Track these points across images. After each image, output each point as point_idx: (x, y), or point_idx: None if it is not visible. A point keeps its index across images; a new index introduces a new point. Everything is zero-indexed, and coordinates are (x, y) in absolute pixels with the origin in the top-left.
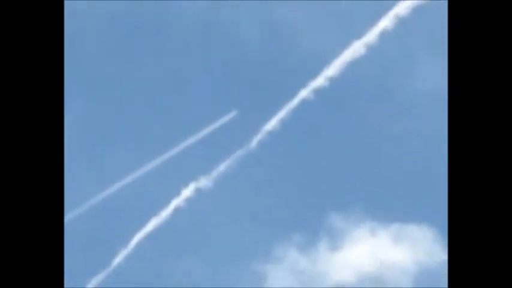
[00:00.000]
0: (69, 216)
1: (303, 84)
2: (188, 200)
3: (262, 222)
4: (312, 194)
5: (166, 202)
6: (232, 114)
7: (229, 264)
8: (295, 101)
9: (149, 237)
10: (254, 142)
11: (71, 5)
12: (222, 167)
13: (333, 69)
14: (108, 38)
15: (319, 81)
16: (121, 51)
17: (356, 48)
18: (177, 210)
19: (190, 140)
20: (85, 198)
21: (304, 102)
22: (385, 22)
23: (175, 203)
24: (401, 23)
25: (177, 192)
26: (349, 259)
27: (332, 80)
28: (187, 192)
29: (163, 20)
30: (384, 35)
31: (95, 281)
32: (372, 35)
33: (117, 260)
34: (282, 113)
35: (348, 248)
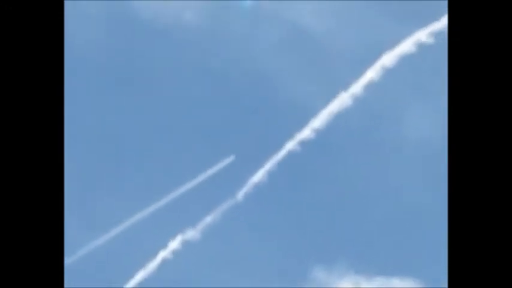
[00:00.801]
0: None
1: (289, 136)
2: (175, 252)
3: (247, 275)
4: (296, 247)
5: (154, 254)
6: (224, 162)
7: None
8: (281, 153)
9: None
10: (241, 194)
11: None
12: (208, 219)
13: (319, 120)
14: (99, 84)
15: (306, 133)
16: (109, 97)
17: (342, 100)
18: (164, 262)
19: (177, 193)
20: (73, 249)
21: (290, 154)
22: (372, 73)
23: (163, 254)
24: (388, 73)
25: (164, 244)
26: None
27: (318, 132)
28: (174, 244)
29: (154, 67)
30: (370, 86)
31: None
32: (358, 86)
33: None
34: (268, 165)
35: None
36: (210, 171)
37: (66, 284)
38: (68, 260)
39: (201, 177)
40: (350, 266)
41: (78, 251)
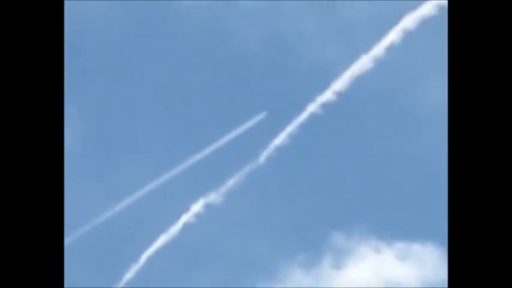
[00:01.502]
0: (79, 233)
1: (311, 99)
2: (197, 216)
3: (267, 239)
4: (316, 211)
5: (176, 218)
6: (244, 126)
7: (235, 281)
8: (303, 116)
9: (159, 253)
10: (263, 157)
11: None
12: (230, 182)
13: (340, 83)
14: (117, 46)
15: (327, 95)
16: (129, 61)
17: (364, 62)
18: (186, 226)
19: (200, 156)
20: (96, 214)
21: (312, 117)
22: (393, 35)
23: (185, 218)
24: (409, 36)
25: (187, 208)
26: (353, 277)
27: (340, 94)
28: (196, 207)
29: (171, 31)
30: (391, 49)
31: None
32: (379, 49)
33: (128, 275)
34: (290, 128)
35: (352, 266)
36: (232, 134)
37: (90, 248)
38: (88, 227)
39: (223, 141)
40: (370, 231)
41: (99, 217)
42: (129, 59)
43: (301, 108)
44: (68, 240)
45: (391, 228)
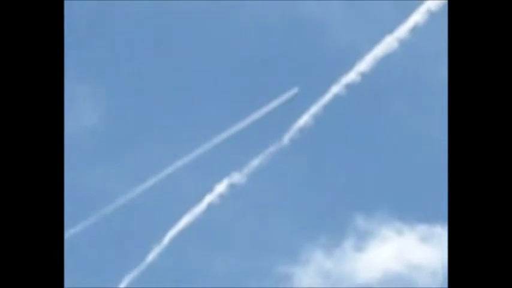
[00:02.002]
0: (102, 213)
1: (335, 80)
2: (221, 196)
3: (291, 220)
4: (338, 193)
5: (200, 198)
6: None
7: (257, 262)
8: (327, 97)
9: (182, 233)
10: (286, 138)
11: None
12: (254, 163)
13: (365, 64)
14: (141, 23)
15: (351, 76)
16: (150, 43)
17: (388, 43)
18: (210, 206)
19: (223, 136)
20: (118, 195)
21: (336, 98)
22: (417, 17)
23: (209, 199)
24: (433, 17)
25: (211, 188)
26: (375, 259)
27: (364, 75)
28: (220, 188)
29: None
30: (415, 30)
31: (129, 277)
32: (403, 30)
33: (151, 256)
34: (314, 109)
35: (374, 249)
36: (256, 115)
37: (113, 228)
38: (112, 207)
39: (246, 121)
40: (393, 213)
41: (122, 198)
42: (152, 38)
43: (325, 89)
44: (90, 221)
45: (413, 211)
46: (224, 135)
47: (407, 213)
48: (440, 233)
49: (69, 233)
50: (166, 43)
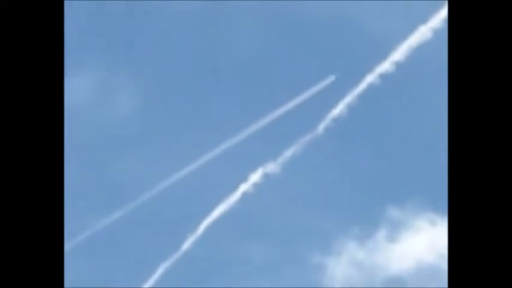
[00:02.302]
0: (137, 201)
1: (369, 69)
2: (256, 185)
3: (324, 210)
4: (371, 183)
5: (234, 187)
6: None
7: (291, 252)
8: (361, 86)
9: (217, 222)
10: (321, 127)
11: None
12: (289, 153)
13: (399, 53)
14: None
15: (386, 66)
16: (185, 33)
17: (422, 33)
18: (244, 196)
19: (258, 125)
20: (153, 183)
21: (370, 87)
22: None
23: (243, 188)
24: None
25: (245, 178)
26: (408, 250)
27: (398, 65)
28: (255, 177)
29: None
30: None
31: (164, 265)
32: (437, 20)
33: (186, 245)
34: (348, 98)
35: (407, 239)
36: (290, 104)
37: (148, 217)
38: (147, 196)
39: (281, 111)
40: (426, 204)
41: (158, 186)
42: (190, 25)
43: (359, 78)
44: (126, 210)
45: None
46: (259, 124)
47: (440, 203)
48: None
49: (105, 221)
50: (201, 32)
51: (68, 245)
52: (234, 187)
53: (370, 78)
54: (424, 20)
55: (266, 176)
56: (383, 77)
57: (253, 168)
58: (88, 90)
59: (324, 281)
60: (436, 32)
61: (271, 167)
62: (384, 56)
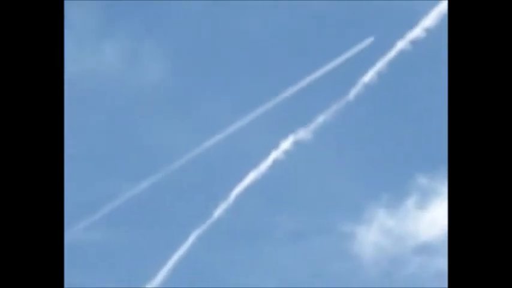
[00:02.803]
0: (169, 170)
1: (400, 36)
2: (287, 153)
3: (355, 178)
4: (400, 151)
5: (266, 155)
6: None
7: (320, 220)
8: (392, 53)
9: (248, 189)
10: (352, 94)
11: None
12: (320, 119)
13: (430, 20)
14: None
15: (417, 32)
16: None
17: None
18: (275, 163)
19: (288, 92)
20: (185, 151)
21: (401, 54)
22: None
23: (274, 155)
24: None
25: (276, 145)
26: (438, 218)
27: (429, 31)
28: (286, 144)
29: None
30: None
31: (196, 233)
32: None
33: (218, 212)
34: (379, 65)
35: (437, 207)
36: (321, 71)
37: (180, 184)
38: (180, 162)
39: (312, 78)
40: None
41: (190, 153)
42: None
43: (389, 45)
44: (158, 176)
45: None
46: (290, 91)
47: None
48: None
49: (137, 188)
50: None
51: (101, 212)
52: (265, 154)
53: (400, 45)
54: None
55: (297, 143)
56: (414, 43)
57: (284, 135)
58: (118, 58)
59: (353, 249)
60: None
61: (302, 134)
62: (415, 22)
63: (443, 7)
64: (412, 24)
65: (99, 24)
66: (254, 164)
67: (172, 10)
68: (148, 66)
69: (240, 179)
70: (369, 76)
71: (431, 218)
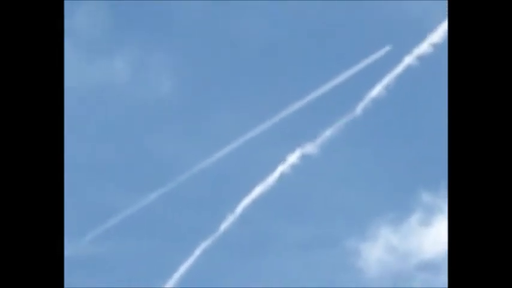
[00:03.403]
0: (176, 182)
1: (407, 51)
2: (293, 166)
3: (362, 193)
4: (407, 167)
5: (272, 168)
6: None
7: (327, 234)
8: (399, 68)
9: (255, 202)
10: (359, 109)
11: None
12: (327, 133)
13: (437, 35)
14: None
15: (424, 47)
16: (224, 11)
17: None
18: (282, 177)
19: (296, 106)
20: (193, 163)
21: (408, 69)
22: None
23: (281, 169)
24: None
25: (283, 158)
26: (441, 235)
27: (437, 47)
28: (293, 158)
29: None
30: None
31: (204, 245)
32: None
33: (224, 225)
34: (386, 80)
35: (441, 224)
36: (329, 85)
37: (187, 197)
38: (188, 175)
39: (319, 92)
40: None
41: (197, 166)
42: (226, 9)
43: (397, 60)
44: (164, 190)
45: None
46: (297, 105)
47: None
48: None
49: (145, 200)
50: (240, 10)
51: (109, 223)
52: (272, 168)
53: (408, 60)
54: None
55: (304, 157)
56: (421, 58)
57: (291, 149)
58: (127, 70)
59: (358, 263)
60: None
61: (309, 148)
62: (422, 37)
63: None
64: (419, 39)
65: (106, 32)
66: (261, 177)
67: (175, 18)
68: (157, 77)
69: (247, 192)
70: (376, 91)
71: (435, 235)
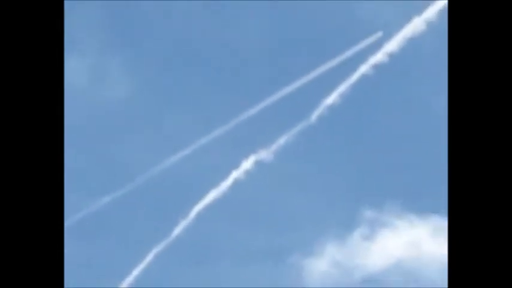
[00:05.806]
0: (130, 186)
1: (363, 59)
2: (248, 172)
3: (314, 199)
4: (363, 177)
5: (227, 174)
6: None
7: (277, 241)
8: (354, 76)
9: (208, 208)
10: (314, 116)
11: None
12: (281, 140)
13: (393, 44)
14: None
15: (379, 56)
16: (181, 15)
17: (416, 25)
18: (236, 182)
19: (251, 112)
20: (147, 168)
21: (363, 77)
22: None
23: (235, 175)
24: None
25: (237, 164)
26: (387, 250)
27: (392, 56)
28: (247, 164)
29: None
30: (444, 11)
31: (156, 250)
32: (432, 11)
33: (177, 230)
34: (342, 88)
35: (386, 240)
36: (283, 92)
37: (140, 202)
38: (140, 180)
39: (274, 98)
40: (405, 204)
41: (150, 171)
42: (184, 10)
43: (352, 68)
44: (118, 194)
45: (425, 202)
46: (252, 111)
47: (419, 204)
48: None
49: (97, 204)
50: (198, 16)
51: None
52: (226, 173)
53: (363, 69)
54: (419, 12)
55: (258, 164)
56: (376, 67)
57: (245, 155)
58: (84, 73)
59: (303, 276)
60: (430, 25)
61: (264, 155)
62: (378, 46)
63: (406, 33)
64: (375, 48)
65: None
66: (215, 183)
67: (136, 21)
68: (113, 81)
69: (200, 197)
70: (331, 98)
71: (381, 250)
